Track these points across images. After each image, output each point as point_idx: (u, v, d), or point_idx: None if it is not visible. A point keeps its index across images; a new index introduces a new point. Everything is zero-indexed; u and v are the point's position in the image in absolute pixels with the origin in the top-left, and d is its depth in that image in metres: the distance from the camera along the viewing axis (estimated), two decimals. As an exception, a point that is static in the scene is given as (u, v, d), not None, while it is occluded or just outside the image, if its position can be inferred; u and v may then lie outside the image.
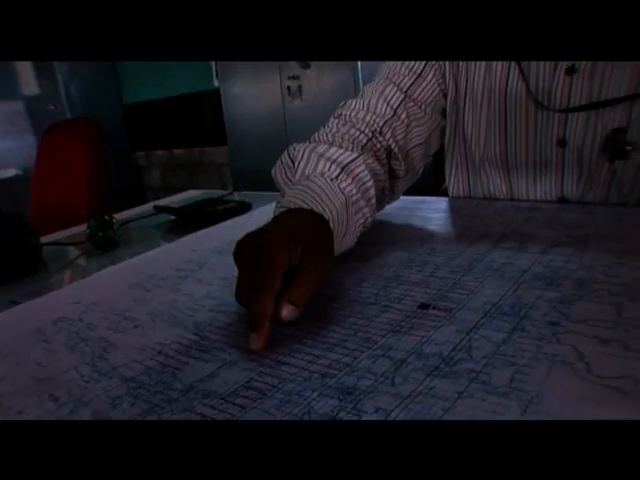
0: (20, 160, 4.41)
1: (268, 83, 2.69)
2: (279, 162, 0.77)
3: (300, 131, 2.58)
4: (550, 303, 0.48)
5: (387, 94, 0.86)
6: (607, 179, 0.80)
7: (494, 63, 0.86)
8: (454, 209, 0.92)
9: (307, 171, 0.69)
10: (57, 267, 0.92)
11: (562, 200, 0.85)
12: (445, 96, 0.92)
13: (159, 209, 1.12)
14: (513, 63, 0.84)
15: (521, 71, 0.83)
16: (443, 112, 0.93)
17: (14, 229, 0.90)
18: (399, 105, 0.85)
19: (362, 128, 0.81)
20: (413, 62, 0.89)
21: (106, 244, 0.94)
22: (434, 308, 0.51)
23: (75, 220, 1.42)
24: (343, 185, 0.67)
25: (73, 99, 4.12)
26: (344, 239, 0.64)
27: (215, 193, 1.28)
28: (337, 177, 0.68)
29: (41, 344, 0.56)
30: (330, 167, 0.69)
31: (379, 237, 0.77)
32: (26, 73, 4.36)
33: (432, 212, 0.90)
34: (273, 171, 0.77)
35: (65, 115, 4.09)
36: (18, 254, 0.88)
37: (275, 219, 0.59)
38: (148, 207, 1.23)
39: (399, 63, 0.90)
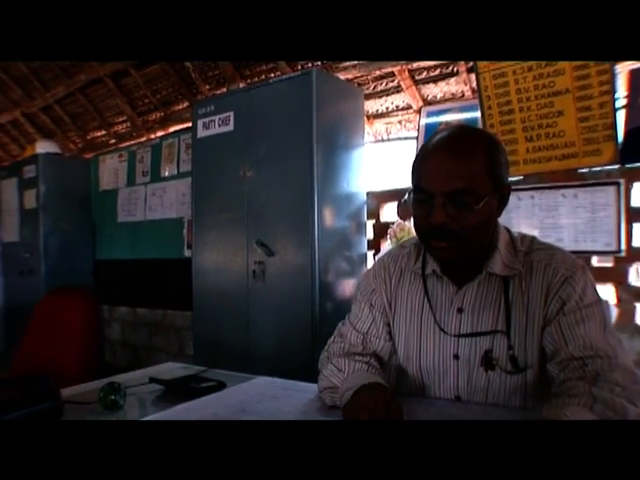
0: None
1: (236, 264, 3.06)
2: (324, 378, 1.27)
3: (261, 310, 2.90)
4: None
5: (353, 338, 1.34)
6: (485, 385, 1.20)
7: (415, 299, 1.28)
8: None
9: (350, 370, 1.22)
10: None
11: (457, 399, 1.22)
12: (388, 324, 1.34)
13: (152, 380, 1.43)
14: (427, 303, 1.24)
15: (430, 307, 1.24)
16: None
17: (43, 388, 1.18)
18: (361, 343, 1.32)
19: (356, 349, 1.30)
20: (365, 309, 1.35)
21: (113, 406, 1.23)
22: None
23: (63, 379, 1.68)
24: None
25: (49, 249, 4.45)
26: None
27: (193, 368, 1.59)
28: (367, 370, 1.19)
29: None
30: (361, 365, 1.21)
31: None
32: (11, 222, 4.73)
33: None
34: (322, 384, 1.27)
35: (39, 262, 4.41)
36: (46, 410, 1.15)
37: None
38: (140, 376, 1.52)
39: (358, 309, 1.37)
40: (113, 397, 1.23)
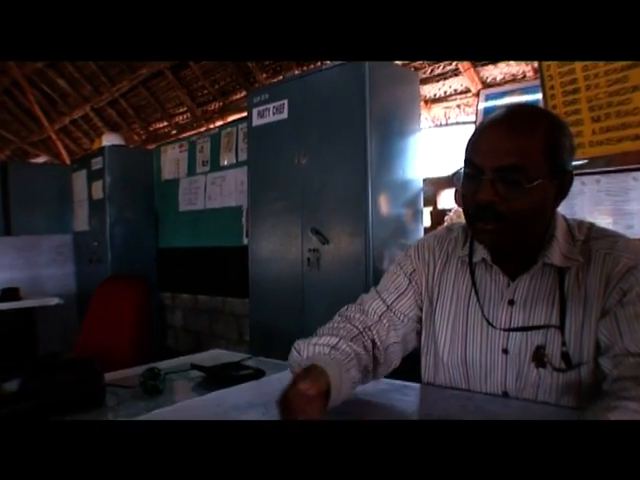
0: (60, 288, 4.86)
1: (291, 252, 3.07)
2: (290, 355, 1.14)
3: (316, 298, 2.91)
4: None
5: (375, 305, 1.23)
6: (536, 381, 1.11)
7: (461, 289, 1.21)
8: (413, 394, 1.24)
9: (309, 354, 1.09)
10: (115, 403, 1.23)
11: (505, 394, 1.15)
12: (420, 309, 1.27)
13: (193, 366, 1.45)
14: (474, 294, 1.18)
15: (478, 298, 1.18)
16: (418, 319, 1.28)
17: (89, 372, 1.22)
18: (382, 314, 1.22)
19: (356, 324, 1.19)
20: (400, 281, 1.25)
21: (153, 391, 1.25)
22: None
23: (116, 361, 1.74)
24: (332, 356, 1.05)
25: (115, 238, 4.61)
26: (342, 392, 1.00)
27: (237, 356, 1.60)
28: (328, 352, 1.06)
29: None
30: (323, 348, 1.08)
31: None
32: (82, 212, 4.93)
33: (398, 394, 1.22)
34: (289, 361, 1.15)
35: (105, 250, 4.59)
36: (90, 392, 1.18)
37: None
38: (185, 362, 1.55)
39: (388, 281, 1.26)
40: (152, 382, 1.25)
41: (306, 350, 1.10)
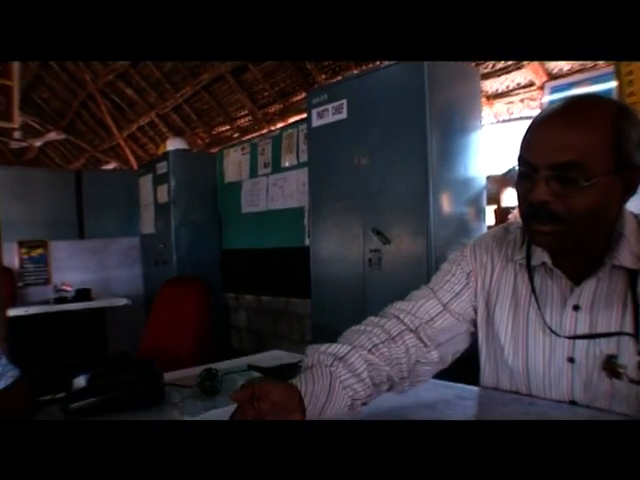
0: (128, 289, 5.03)
1: (352, 253, 3.06)
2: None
3: (377, 299, 2.89)
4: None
5: (428, 305, 1.17)
6: (609, 392, 1.05)
7: (520, 294, 1.15)
8: (471, 397, 1.20)
9: (310, 363, 1.02)
10: (174, 402, 1.25)
11: (572, 403, 1.09)
12: (475, 310, 1.21)
13: (251, 367, 1.45)
14: (534, 301, 1.12)
15: (538, 305, 1.12)
16: (471, 321, 1.22)
17: (149, 371, 1.24)
18: (437, 314, 1.16)
19: (405, 321, 1.13)
20: (455, 280, 1.20)
21: (211, 391, 1.26)
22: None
23: (178, 360, 1.76)
24: (333, 369, 0.98)
25: (180, 240, 4.72)
26: (327, 404, 0.94)
27: (295, 357, 1.60)
28: (331, 364, 0.99)
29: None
30: (327, 358, 1.01)
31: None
32: (148, 215, 5.08)
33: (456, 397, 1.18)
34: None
35: (171, 252, 4.70)
36: (150, 390, 1.21)
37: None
38: (243, 363, 1.56)
39: (442, 279, 1.22)
40: (210, 383, 1.26)
41: (311, 357, 1.03)
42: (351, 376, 0.99)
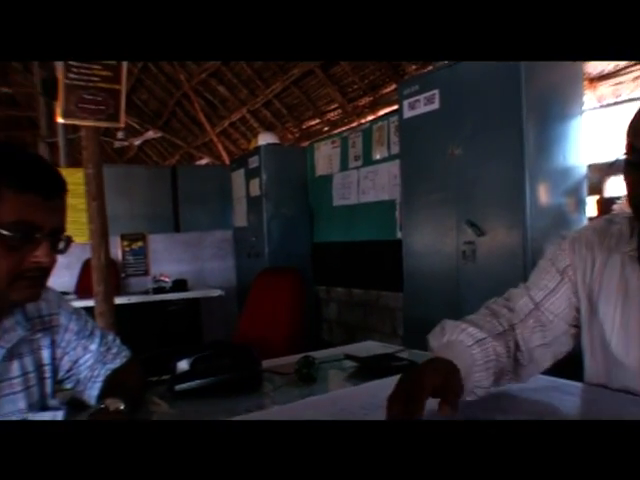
0: (222, 281, 5.19)
1: (445, 245, 3.01)
2: (434, 331, 1.06)
3: (471, 292, 2.83)
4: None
5: (522, 303, 1.14)
6: None
7: (631, 287, 1.06)
8: (576, 395, 1.14)
9: (452, 338, 1.01)
10: (271, 388, 1.27)
11: None
12: (577, 309, 1.14)
13: (347, 356, 1.46)
14: None
15: None
16: (573, 319, 1.14)
17: (248, 358, 1.27)
18: (529, 313, 1.12)
19: (502, 321, 1.09)
20: (550, 277, 1.15)
21: (307, 378, 1.28)
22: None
23: (272, 350, 1.80)
24: (473, 352, 0.98)
25: (272, 233, 4.81)
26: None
27: (390, 347, 1.59)
28: (470, 346, 0.98)
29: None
30: (467, 339, 1.00)
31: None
32: (241, 209, 5.22)
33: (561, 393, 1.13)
34: (430, 336, 1.06)
35: (263, 245, 4.79)
36: (249, 376, 1.24)
37: (424, 362, 0.92)
38: (338, 352, 1.57)
39: (538, 277, 1.17)
40: (307, 370, 1.28)
41: (451, 332, 1.02)
42: (484, 362, 0.99)
